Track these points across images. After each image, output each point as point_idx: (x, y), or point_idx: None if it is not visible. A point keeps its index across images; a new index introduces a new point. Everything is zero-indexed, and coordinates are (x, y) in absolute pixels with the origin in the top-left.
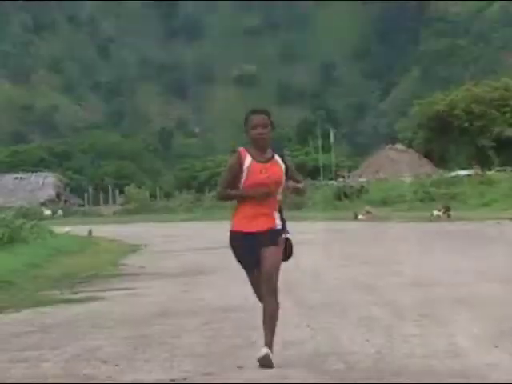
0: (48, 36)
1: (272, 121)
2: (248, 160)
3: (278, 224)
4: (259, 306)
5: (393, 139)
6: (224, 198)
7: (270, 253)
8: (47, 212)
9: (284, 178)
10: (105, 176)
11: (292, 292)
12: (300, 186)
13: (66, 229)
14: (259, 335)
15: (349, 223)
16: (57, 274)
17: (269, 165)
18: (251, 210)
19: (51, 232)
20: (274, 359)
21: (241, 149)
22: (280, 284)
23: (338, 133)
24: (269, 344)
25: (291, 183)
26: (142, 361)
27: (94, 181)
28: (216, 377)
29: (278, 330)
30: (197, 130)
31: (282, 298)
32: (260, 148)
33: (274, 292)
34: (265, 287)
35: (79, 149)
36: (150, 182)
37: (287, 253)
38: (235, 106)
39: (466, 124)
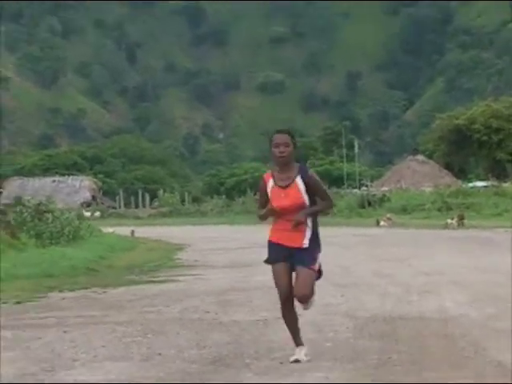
0: (76, 40)
1: (295, 141)
2: (270, 184)
3: (305, 243)
4: None
5: (414, 151)
6: (260, 218)
7: (303, 274)
8: (87, 214)
9: (304, 198)
10: (135, 180)
11: (328, 279)
12: (300, 218)
13: (111, 229)
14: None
15: (371, 229)
16: (124, 264)
17: (288, 190)
18: (284, 227)
19: (100, 231)
20: (324, 310)
21: (265, 174)
22: None
23: (362, 142)
24: (300, 342)
25: (297, 216)
26: (232, 311)
27: (124, 184)
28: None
29: (318, 294)
30: (221, 136)
31: (320, 282)
32: (281, 166)
33: (305, 298)
34: (297, 293)
35: (110, 153)
36: (179, 186)
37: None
38: (259, 113)
39: (485, 138)
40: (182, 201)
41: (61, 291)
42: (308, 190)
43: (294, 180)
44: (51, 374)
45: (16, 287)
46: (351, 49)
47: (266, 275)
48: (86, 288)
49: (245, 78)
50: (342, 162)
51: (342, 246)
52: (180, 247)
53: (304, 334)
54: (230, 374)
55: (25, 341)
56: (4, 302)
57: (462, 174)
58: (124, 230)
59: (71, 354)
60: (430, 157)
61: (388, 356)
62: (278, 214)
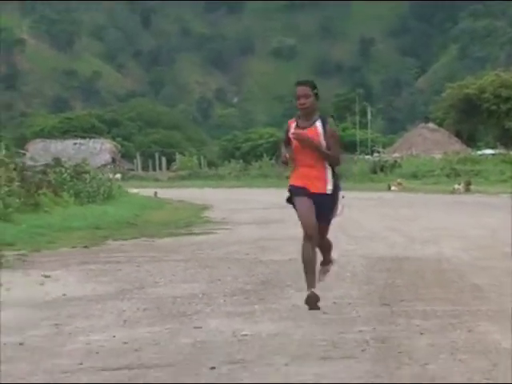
0: (91, 3)
1: (317, 91)
2: (293, 127)
3: (329, 189)
4: None
5: (426, 119)
6: (282, 161)
7: (323, 226)
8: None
9: (320, 138)
10: (152, 143)
11: (344, 232)
12: (303, 133)
13: (135, 190)
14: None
15: (383, 193)
16: (159, 220)
17: (307, 130)
18: (303, 173)
19: (127, 192)
20: (343, 253)
21: (290, 120)
22: (334, 227)
23: (374, 108)
24: (327, 262)
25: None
26: (268, 254)
27: (141, 148)
28: None
29: (337, 243)
30: (235, 100)
31: (337, 233)
32: (304, 116)
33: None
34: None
35: (127, 117)
36: (195, 150)
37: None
38: (273, 78)
39: (494, 107)
40: (199, 164)
41: (115, 240)
42: (325, 138)
43: (314, 123)
44: (142, 291)
45: (74, 237)
46: (364, 15)
47: (289, 230)
48: (136, 238)
49: (258, 43)
50: (355, 128)
51: (355, 207)
52: (205, 207)
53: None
54: (277, 291)
55: (110, 271)
56: (73, 247)
57: (471, 141)
58: (147, 192)
59: (151, 279)
60: (440, 125)
61: (393, 281)
62: (297, 154)
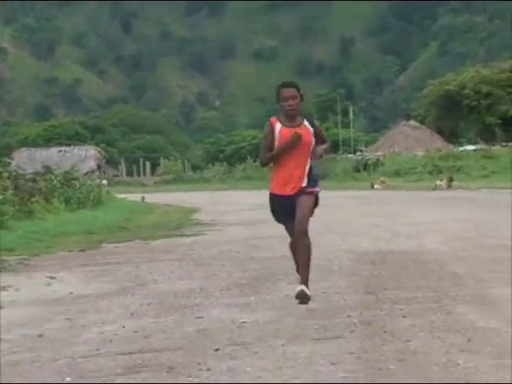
0: (71, 10)
1: (301, 93)
2: (278, 126)
3: (304, 183)
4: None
5: (407, 116)
6: (264, 161)
7: (302, 200)
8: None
9: (313, 139)
10: (135, 149)
11: (329, 229)
12: (325, 146)
13: (123, 195)
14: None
15: (366, 191)
16: (150, 224)
17: (297, 128)
18: (286, 173)
19: (115, 198)
20: (329, 249)
21: (272, 118)
22: (319, 225)
23: (356, 107)
24: (304, 281)
25: (319, 148)
26: (259, 251)
27: (125, 153)
28: None
29: (323, 240)
30: (217, 103)
31: (323, 231)
32: (290, 118)
33: (305, 233)
34: (297, 229)
35: (110, 123)
36: (178, 154)
37: (316, 203)
38: (255, 80)
39: (475, 103)
40: (183, 168)
41: (109, 243)
42: (314, 136)
43: (302, 123)
44: (144, 288)
45: (70, 241)
46: (344, 14)
47: (275, 229)
48: (129, 240)
49: (240, 45)
50: (338, 128)
51: (339, 205)
52: (193, 210)
53: (317, 261)
54: (270, 284)
55: (110, 271)
56: (70, 251)
57: (453, 137)
58: (134, 197)
59: (151, 277)
60: (422, 122)
61: (377, 272)
62: (281, 155)
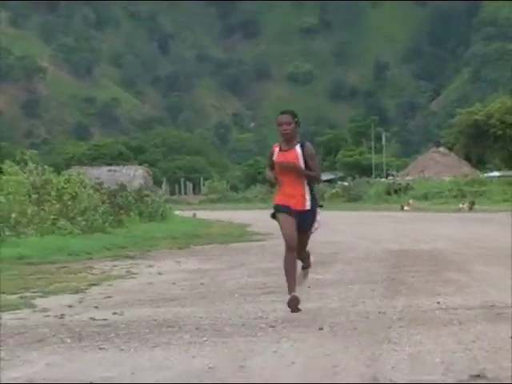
0: (109, 31)
1: (297, 120)
2: (276, 151)
3: (308, 205)
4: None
5: (437, 143)
6: (265, 179)
7: (304, 239)
8: None
9: (299, 160)
10: (177, 169)
11: (366, 238)
12: (310, 172)
13: (176, 212)
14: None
15: (396, 212)
16: (216, 233)
17: (287, 152)
18: (285, 191)
19: (174, 213)
20: (368, 250)
21: (275, 144)
22: (359, 236)
23: (389, 131)
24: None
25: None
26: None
27: (166, 174)
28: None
29: (362, 244)
30: (251, 125)
31: (361, 240)
32: (286, 141)
33: (306, 253)
34: (299, 251)
35: (152, 143)
36: (217, 175)
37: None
38: (289, 102)
39: (500, 132)
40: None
41: (195, 245)
42: (304, 159)
43: (294, 147)
44: (245, 266)
45: (163, 243)
46: (379, 39)
47: (323, 235)
48: (210, 244)
49: (275, 68)
50: (371, 153)
51: (372, 223)
52: (245, 225)
53: (359, 255)
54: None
55: (215, 259)
56: (170, 248)
57: (480, 164)
58: (185, 214)
59: (246, 261)
60: (451, 149)
61: (400, 260)
62: (280, 175)
